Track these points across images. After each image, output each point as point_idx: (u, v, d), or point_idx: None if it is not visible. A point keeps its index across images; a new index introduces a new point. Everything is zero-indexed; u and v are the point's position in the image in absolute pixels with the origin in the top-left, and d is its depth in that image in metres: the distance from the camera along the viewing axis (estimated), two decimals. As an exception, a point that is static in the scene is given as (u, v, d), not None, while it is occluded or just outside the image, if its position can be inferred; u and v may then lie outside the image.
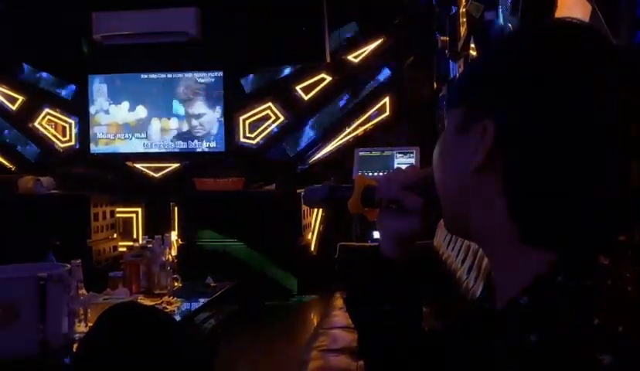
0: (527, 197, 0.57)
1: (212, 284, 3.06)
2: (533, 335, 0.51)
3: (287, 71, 5.31)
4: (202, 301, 2.79)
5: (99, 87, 5.44)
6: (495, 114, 0.59)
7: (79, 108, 5.53)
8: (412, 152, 4.64)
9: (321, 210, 5.08)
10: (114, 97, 5.43)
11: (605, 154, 0.55)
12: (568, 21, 0.61)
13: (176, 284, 2.97)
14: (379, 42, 5.15)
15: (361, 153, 4.72)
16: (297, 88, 5.27)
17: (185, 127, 5.37)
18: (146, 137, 5.41)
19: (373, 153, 4.71)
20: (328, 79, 5.22)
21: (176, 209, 5.02)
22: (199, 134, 5.35)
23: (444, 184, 0.67)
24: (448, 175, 0.66)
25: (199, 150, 5.35)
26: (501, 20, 2.58)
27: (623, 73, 0.56)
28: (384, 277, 0.83)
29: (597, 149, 0.55)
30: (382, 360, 0.84)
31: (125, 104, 5.42)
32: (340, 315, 2.60)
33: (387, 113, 5.17)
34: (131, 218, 5.43)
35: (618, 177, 0.55)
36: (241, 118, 5.38)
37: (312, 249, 5.12)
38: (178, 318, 2.49)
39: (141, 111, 5.41)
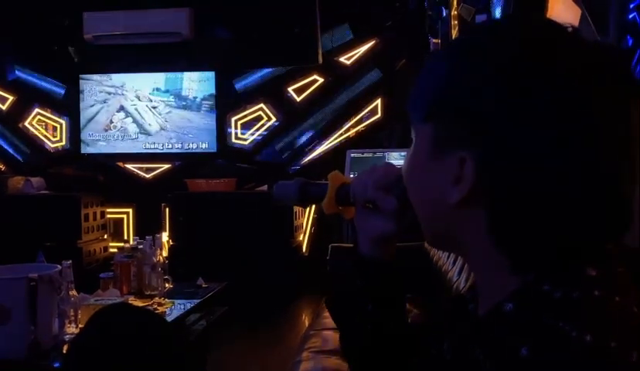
0: (514, 231, 0.55)
1: (203, 285, 3.06)
2: (524, 349, 0.49)
3: (279, 72, 5.31)
4: (193, 302, 2.79)
5: (90, 87, 5.42)
6: (473, 148, 0.54)
7: (69, 108, 5.50)
8: (403, 154, 4.65)
9: (312, 211, 5.08)
10: (105, 97, 5.41)
11: (597, 173, 0.52)
12: (546, 27, 0.57)
13: (167, 285, 2.96)
14: (371, 44, 5.17)
15: (353, 154, 4.73)
16: (290, 89, 5.27)
17: (176, 128, 5.36)
18: (137, 138, 5.39)
19: (365, 154, 4.71)
20: (321, 80, 5.22)
21: (167, 209, 5.01)
22: (190, 135, 5.34)
23: (420, 208, 0.65)
24: (423, 202, 0.63)
25: (190, 151, 5.34)
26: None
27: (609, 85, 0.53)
28: (364, 276, 0.80)
29: (587, 170, 0.52)
30: (365, 360, 0.82)
31: (116, 104, 5.40)
32: (330, 316, 2.60)
33: (379, 114, 5.19)
34: (122, 219, 5.41)
35: (610, 192, 0.53)
36: (233, 119, 5.37)
37: (304, 250, 5.12)
38: (169, 319, 2.49)
39: (133, 112, 5.39)
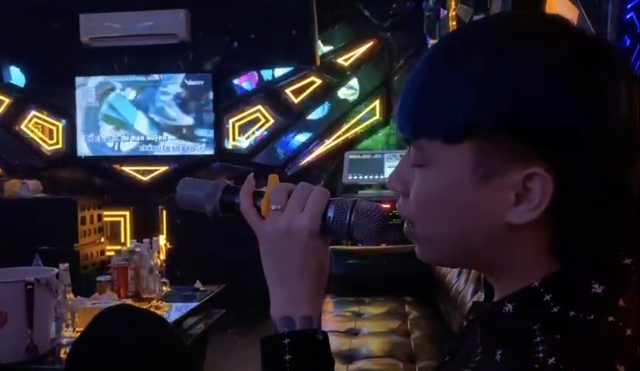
0: (578, 244, 0.51)
1: (200, 288, 3.05)
2: (499, 352, 0.49)
3: (276, 74, 5.30)
4: (190, 305, 2.78)
5: (86, 90, 5.40)
6: (545, 163, 0.49)
7: (66, 111, 5.48)
8: (401, 155, 4.65)
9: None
10: (102, 100, 5.39)
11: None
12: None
13: (165, 288, 2.95)
14: (369, 45, 5.16)
15: (351, 156, 4.73)
16: (287, 91, 5.26)
17: (174, 130, 5.34)
18: (134, 140, 5.38)
19: (363, 156, 4.71)
20: (318, 82, 5.22)
21: (165, 212, 4.99)
22: (188, 137, 5.32)
23: (452, 238, 0.56)
24: (463, 231, 0.54)
25: (188, 153, 5.32)
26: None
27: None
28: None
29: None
30: None
31: (113, 107, 5.39)
32: (329, 320, 2.59)
33: (377, 116, 5.18)
34: (119, 221, 5.39)
35: None
36: (231, 121, 5.36)
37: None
38: (167, 322, 2.48)
39: (130, 114, 5.38)
